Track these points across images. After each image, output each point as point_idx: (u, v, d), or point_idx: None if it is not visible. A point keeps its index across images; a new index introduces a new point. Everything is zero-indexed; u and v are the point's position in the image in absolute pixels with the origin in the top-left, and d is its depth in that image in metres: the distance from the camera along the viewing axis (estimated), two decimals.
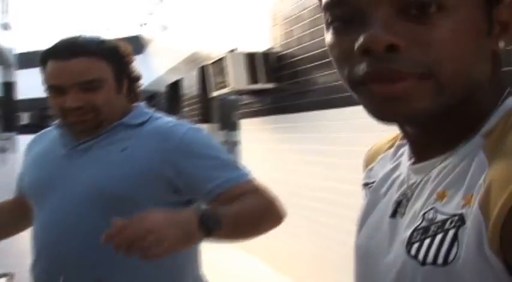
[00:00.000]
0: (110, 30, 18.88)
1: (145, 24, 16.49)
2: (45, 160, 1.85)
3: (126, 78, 1.84)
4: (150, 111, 1.87)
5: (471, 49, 0.71)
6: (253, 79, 6.15)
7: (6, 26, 10.64)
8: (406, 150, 0.87)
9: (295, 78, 5.66)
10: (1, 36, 10.06)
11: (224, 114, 9.42)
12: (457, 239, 0.68)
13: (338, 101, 4.47)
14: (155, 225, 1.41)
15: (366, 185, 0.97)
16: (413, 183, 0.81)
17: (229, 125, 8.88)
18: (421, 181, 0.79)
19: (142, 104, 1.90)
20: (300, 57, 5.50)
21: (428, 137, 0.79)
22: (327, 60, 5.07)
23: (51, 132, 1.93)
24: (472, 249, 0.66)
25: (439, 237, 0.70)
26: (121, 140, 1.76)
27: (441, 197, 0.73)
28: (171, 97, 12.99)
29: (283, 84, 5.89)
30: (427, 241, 0.72)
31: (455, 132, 0.75)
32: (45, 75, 1.76)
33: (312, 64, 5.22)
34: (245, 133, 7.41)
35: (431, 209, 0.74)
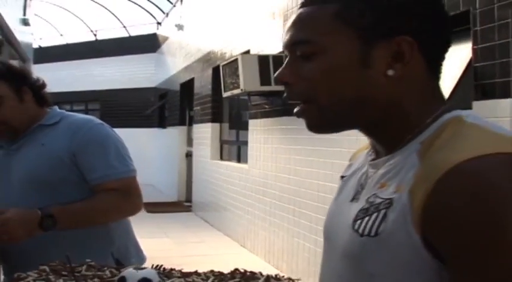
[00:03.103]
0: (125, 28, 18.98)
1: (160, 23, 16.66)
2: None
3: (28, 88, 2.18)
4: (62, 112, 2.27)
5: (343, 80, 0.95)
6: (265, 81, 6.25)
7: (25, 22, 10.82)
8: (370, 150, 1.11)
9: None
10: (20, 31, 10.25)
11: (235, 114, 9.56)
12: (386, 217, 0.90)
13: None
14: (6, 222, 1.90)
15: (342, 177, 1.19)
16: (368, 176, 1.04)
17: (239, 125, 9.02)
18: (373, 174, 1.02)
19: (55, 107, 2.28)
20: None
21: (377, 142, 1.03)
22: None
23: None
24: (397, 224, 0.87)
25: (374, 215, 0.93)
26: (40, 137, 2.16)
27: (382, 186, 0.96)
28: (183, 96, 13.14)
29: None
30: (366, 218, 0.94)
31: (394, 140, 0.98)
32: None
33: None
34: (253, 133, 7.56)
35: (373, 194, 0.97)
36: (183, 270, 1.42)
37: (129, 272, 1.14)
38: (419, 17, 0.95)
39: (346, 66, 0.95)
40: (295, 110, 1.02)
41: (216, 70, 9.00)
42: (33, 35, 14.86)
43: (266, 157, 7.03)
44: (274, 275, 1.36)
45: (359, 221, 0.96)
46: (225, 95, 7.47)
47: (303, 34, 0.98)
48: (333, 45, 0.95)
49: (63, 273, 1.38)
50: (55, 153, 2.11)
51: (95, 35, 19.78)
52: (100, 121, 2.25)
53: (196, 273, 1.37)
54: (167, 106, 15.66)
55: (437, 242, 0.83)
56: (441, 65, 1.02)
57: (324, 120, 1.00)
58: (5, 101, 2.11)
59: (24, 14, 11.05)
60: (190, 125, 12.72)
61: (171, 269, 1.39)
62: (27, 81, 2.20)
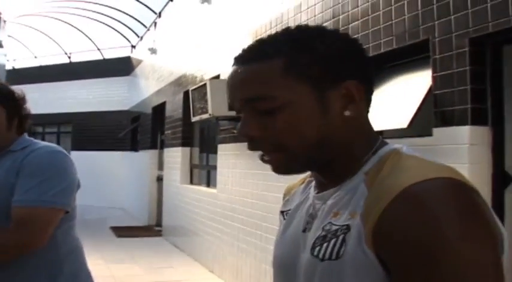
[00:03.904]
0: (98, 51, 18.94)
1: (135, 46, 16.65)
2: None
3: (18, 117, 2.23)
4: (31, 139, 2.26)
5: (309, 128, 1.03)
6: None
7: None
8: (312, 184, 1.20)
9: None
10: None
11: (205, 138, 9.55)
12: (344, 241, 0.99)
13: None
14: None
15: (282, 212, 1.30)
16: (317, 208, 1.12)
17: (210, 149, 9.01)
18: (321, 206, 1.11)
19: (25, 134, 2.29)
20: None
21: (324, 176, 1.12)
22: None
23: None
24: (355, 246, 0.96)
25: (333, 241, 1.01)
26: (6, 161, 2.15)
27: (335, 215, 1.05)
28: (155, 119, 13.11)
29: None
30: (325, 244, 1.02)
31: (341, 173, 1.08)
32: None
33: None
34: (222, 158, 7.54)
35: (328, 223, 1.05)
36: None
37: None
38: (356, 60, 1.07)
39: (309, 115, 1.03)
40: (261, 157, 1.09)
41: (187, 94, 9.00)
42: (7, 57, 14.77)
43: (234, 182, 7.01)
44: None
45: (318, 248, 1.03)
46: (193, 119, 7.47)
47: (258, 91, 1.04)
48: (291, 98, 1.02)
49: None
50: (7, 177, 2.09)
51: (69, 57, 19.72)
52: (60, 150, 2.21)
53: None
54: (139, 129, 15.60)
55: (387, 258, 0.92)
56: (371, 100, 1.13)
57: (293, 165, 1.08)
58: None
59: None
60: (161, 148, 12.67)
61: None
62: (21, 113, 2.23)
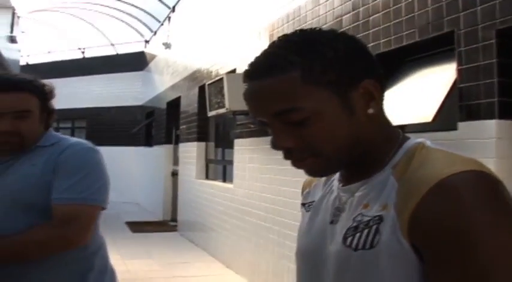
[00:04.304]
0: (112, 46, 18.95)
1: (148, 41, 16.64)
2: None
3: (46, 111, 2.22)
4: (58, 134, 2.27)
5: (340, 131, 1.08)
6: None
7: (12, 39, 10.78)
8: (335, 178, 1.24)
9: None
10: (7, 48, 10.19)
11: (221, 133, 9.52)
12: (378, 231, 1.04)
13: None
14: None
15: (303, 204, 1.34)
16: (343, 200, 1.17)
17: (225, 144, 8.97)
18: (348, 198, 1.16)
19: (51, 129, 2.28)
20: None
21: (351, 171, 1.17)
22: None
23: None
24: (389, 236, 1.01)
25: (365, 231, 1.06)
26: (33, 157, 2.13)
27: (365, 206, 1.10)
28: (170, 114, 13.09)
29: None
30: (357, 235, 1.07)
31: (367, 167, 1.13)
32: None
33: None
34: (239, 152, 7.50)
35: (359, 214, 1.10)
36: None
37: None
38: (363, 60, 1.11)
39: (337, 119, 1.08)
40: (295, 163, 1.12)
41: (202, 89, 8.96)
42: (20, 52, 14.82)
43: (251, 177, 6.97)
44: None
45: (350, 238, 1.08)
46: (210, 114, 7.43)
47: (284, 105, 1.06)
48: (317, 106, 1.06)
49: None
50: (39, 175, 2.08)
51: (83, 52, 19.73)
52: (92, 147, 2.22)
53: None
54: (154, 124, 15.60)
55: (423, 247, 0.98)
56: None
57: (328, 168, 1.14)
58: (31, 117, 2.13)
59: (12, 31, 11.00)
60: (176, 143, 12.65)
61: None
62: (49, 107, 2.23)
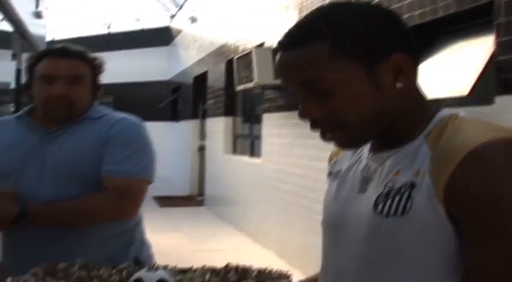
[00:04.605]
0: (139, 21, 18.95)
1: (174, 15, 16.60)
2: (17, 147, 2.17)
3: (95, 84, 2.24)
4: (104, 108, 2.29)
5: (365, 103, 1.09)
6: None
7: (38, 15, 10.81)
8: (365, 147, 1.24)
9: None
10: (33, 24, 10.23)
11: (248, 108, 9.49)
12: (410, 197, 1.04)
13: None
14: None
15: (330, 174, 1.35)
16: (373, 169, 1.17)
17: (253, 119, 8.95)
18: (378, 167, 1.16)
19: (96, 103, 2.29)
20: None
21: (381, 141, 1.17)
22: None
23: (9, 123, 2.26)
24: (423, 202, 1.02)
25: (397, 197, 1.07)
26: (83, 129, 2.16)
27: (397, 174, 1.10)
28: (197, 89, 13.08)
29: None
30: (389, 201, 1.08)
31: (399, 138, 1.13)
32: (39, 67, 2.14)
33: None
34: (267, 127, 7.48)
35: (390, 181, 1.10)
36: (179, 267, 1.46)
37: (145, 274, 1.11)
38: (397, 32, 1.12)
39: (363, 91, 1.09)
40: (323, 135, 1.13)
41: (229, 63, 8.93)
42: (46, 28, 14.87)
43: (280, 151, 6.95)
44: (264, 269, 1.40)
45: (381, 205, 1.09)
46: (238, 88, 7.41)
47: (310, 75, 1.09)
48: (343, 78, 1.08)
49: (59, 275, 1.32)
50: (92, 147, 2.12)
51: (108, 27, 19.77)
52: (140, 122, 2.26)
53: (191, 270, 1.40)
54: (180, 99, 15.63)
55: (459, 214, 0.99)
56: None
57: (356, 140, 1.15)
58: (84, 84, 2.16)
59: (37, 7, 11.04)
60: (203, 118, 12.67)
61: (165, 266, 1.39)
62: (98, 78, 2.26)
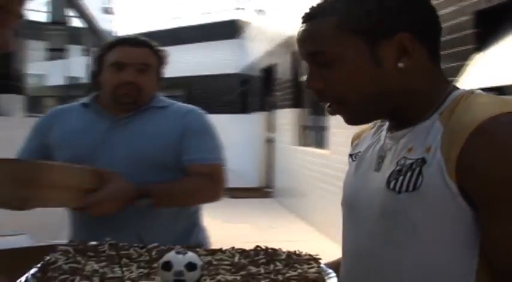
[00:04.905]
0: (206, 15, 19.14)
1: (242, 8, 16.67)
2: (88, 133, 2.22)
3: (160, 74, 2.31)
4: (166, 98, 2.36)
5: (362, 79, 1.12)
6: None
7: (108, 11, 11.09)
8: (385, 127, 1.26)
9: None
10: (103, 20, 10.49)
11: (315, 100, 9.42)
12: (421, 173, 1.05)
13: None
14: (102, 200, 1.98)
15: (350, 155, 1.38)
16: (388, 147, 1.20)
17: (320, 110, 8.90)
18: (393, 145, 1.17)
19: (159, 93, 2.37)
20: None
21: (397, 121, 1.19)
22: None
23: (75, 110, 2.32)
24: (434, 178, 1.03)
25: (408, 174, 1.08)
26: (152, 118, 2.23)
27: (410, 150, 1.11)
28: (265, 81, 13.12)
29: None
30: (400, 178, 1.09)
31: (413, 117, 1.14)
32: (110, 56, 2.22)
33: None
34: (334, 118, 7.41)
35: (402, 157, 1.12)
36: (207, 248, 1.47)
37: (174, 256, 1.11)
38: (410, 13, 1.11)
39: (362, 68, 1.11)
40: (328, 109, 1.19)
41: (296, 55, 8.90)
42: (116, 23, 15.23)
43: (347, 143, 6.86)
44: (294, 252, 1.39)
45: (393, 182, 1.10)
46: (304, 79, 7.37)
47: (316, 46, 1.14)
48: (345, 52, 1.11)
49: (89, 253, 1.35)
50: (167, 135, 2.20)
51: (176, 21, 20.04)
52: (200, 110, 2.36)
53: (221, 250, 1.40)
54: (249, 92, 15.71)
55: (471, 189, 1.00)
56: (439, 49, 1.17)
57: (357, 116, 1.18)
58: (151, 72, 2.23)
59: (106, 3, 11.31)
60: (271, 110, 12.70)
61: (195, 247, 1.40)
62: (163, 69, 2.34)
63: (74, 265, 1.25)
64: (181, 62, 18.90)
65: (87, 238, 1.49)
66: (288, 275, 1.22)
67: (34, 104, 5.81)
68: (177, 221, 2.23)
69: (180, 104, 2.36)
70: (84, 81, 10.16)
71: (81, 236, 2.13)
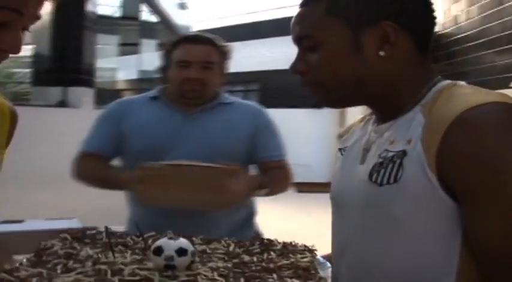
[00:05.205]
0: (281, 9, 19.16)
1: None
2: (160, 125, 2.28)
3: (223, 70, 2.39)
4: (229, 95, 2.46)
5: (341, 64, 1.12)
6: None
7: (183, 6, 11.27)
8: (372, 120, 1.28)
9: (451, 59, 5.50)
10: (178, 15, 10.67)
11: None
12: (401, 165, 1.06)
13: (499, 81, 4.29)
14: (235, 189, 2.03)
15: (340, 149, 1.40)
16: (371, 140, 1.21)
17: None
18: (377, 138, 1.19)
19: (224, 89, 2.46)
20: (456, 37, 5.33)
21: (380, 112, 1.22)
22: (483, 40, 4.87)
23: (143, 102, 2.37)
24: (415, 170, 1.02)
25: (390, 166, 1.08)
26: (221, 113, 2.34)
27: (392, 142, 1.12)
28: None
29: (439, 64, 5.74)
30: (382, 170, 1.10)
31: (397, 108, 1.15)
32: (176, 54, 2.29)
33: (469, 44, 5.05)
34: None
35: (384, 150, 1.13)
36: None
37: (165, 242, 1.14)
38: (398, 2, 1.11)
39: (342, 53, 1.12)
40: (307, 90, 1.20)
41: None
42: (191, 18, 15.45)
43: None
44: (290, 243, 1.41)
45: (375, 174, 1.11)
46: None
47: (304, 30, 1.17)
48: (328, 37, 1.13)
49: (86, 240, 1.39)
50: (239, 130, 2.31)
51: (253, 16, 20.14)
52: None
53: (217, 240, 1.42)
54: None
55: (451, 180, 0.99)
56: (429, 41, 1.16)
57: (332, 99, 1.20)
58: (215, 69, 2.31)
59: None
60: None
61: (191, 236, 1.39)
62: (226, 68, 2.41)
63: (69, 250, 1.30)
64: (257, 56, 19.01)
65: (148, 226, 1.52)
66: (280, 263, 1.24)
67: (104, 97, 5.98)
68: (238, 212, 2.31)
69: (243, 101, 2.47)
70: (156, 75, 10.37)
71: (142, 224, 2.17)
